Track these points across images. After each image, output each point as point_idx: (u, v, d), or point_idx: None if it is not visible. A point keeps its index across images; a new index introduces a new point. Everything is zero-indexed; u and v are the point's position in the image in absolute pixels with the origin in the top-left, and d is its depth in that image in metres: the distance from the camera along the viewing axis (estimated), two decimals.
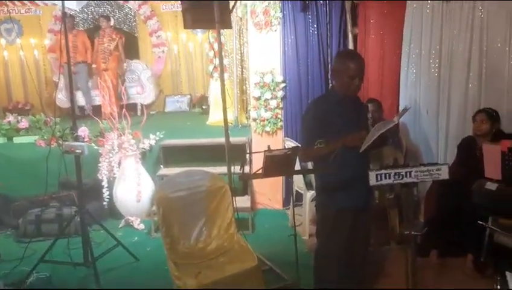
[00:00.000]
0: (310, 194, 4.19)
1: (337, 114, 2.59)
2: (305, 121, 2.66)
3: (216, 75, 6.44)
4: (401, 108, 4.50)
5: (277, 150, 2.34)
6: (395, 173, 2.41)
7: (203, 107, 7.58)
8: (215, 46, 6.44)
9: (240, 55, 5.49)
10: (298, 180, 4.35)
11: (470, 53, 3.95)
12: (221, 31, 3.66)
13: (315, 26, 4.85)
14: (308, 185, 4.23)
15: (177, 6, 7.67)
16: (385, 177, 2.40)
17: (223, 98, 3.61)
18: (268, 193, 4.94)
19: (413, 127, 4.48)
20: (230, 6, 3.71)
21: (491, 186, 2.61)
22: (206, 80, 7.85)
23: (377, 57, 4.74)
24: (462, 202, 3.26)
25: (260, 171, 2.34)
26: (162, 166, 5.03)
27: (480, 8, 3.85)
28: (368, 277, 3.10)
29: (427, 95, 4.28)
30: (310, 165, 3.12)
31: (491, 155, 2.54)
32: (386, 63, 4.69)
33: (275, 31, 4.82)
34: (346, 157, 2.50)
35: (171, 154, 5.16)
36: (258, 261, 2.93)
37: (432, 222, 3.55)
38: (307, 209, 4.21)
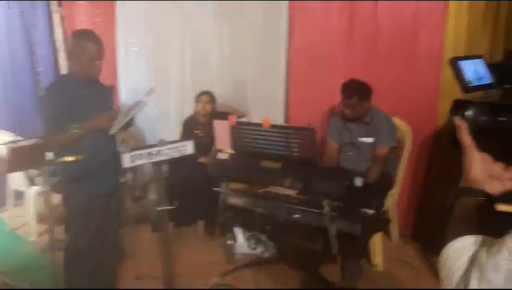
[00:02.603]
0: (33, 190, 3.78)
1: (81, 98, 2.46)
2: (46, 108, 2.41)
3: None
4: (122, 93, 4.55)
5: (22, 140, 2.05)
6: (148, 153, 2.50)
7: None
8: None
9: None
10: (17, 178, 3.84)
11: (183, 44, 4.31)
12: None
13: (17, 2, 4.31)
14: (31, 181, 3.81)
15: None
16: (139, 158, 2.47)
17: None
18: None
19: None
20: None
21: (223, 156, 3.00)
22: None
23: None
24: (194, 173, 3.62)
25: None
26: None
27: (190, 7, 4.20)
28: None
29: (146, 81, 4.43)
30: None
31: (221, 129, 2.94)
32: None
33: None
34: (96, 141, 2.43)
35: None
36: None
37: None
38: (31, 207, 3.78)
